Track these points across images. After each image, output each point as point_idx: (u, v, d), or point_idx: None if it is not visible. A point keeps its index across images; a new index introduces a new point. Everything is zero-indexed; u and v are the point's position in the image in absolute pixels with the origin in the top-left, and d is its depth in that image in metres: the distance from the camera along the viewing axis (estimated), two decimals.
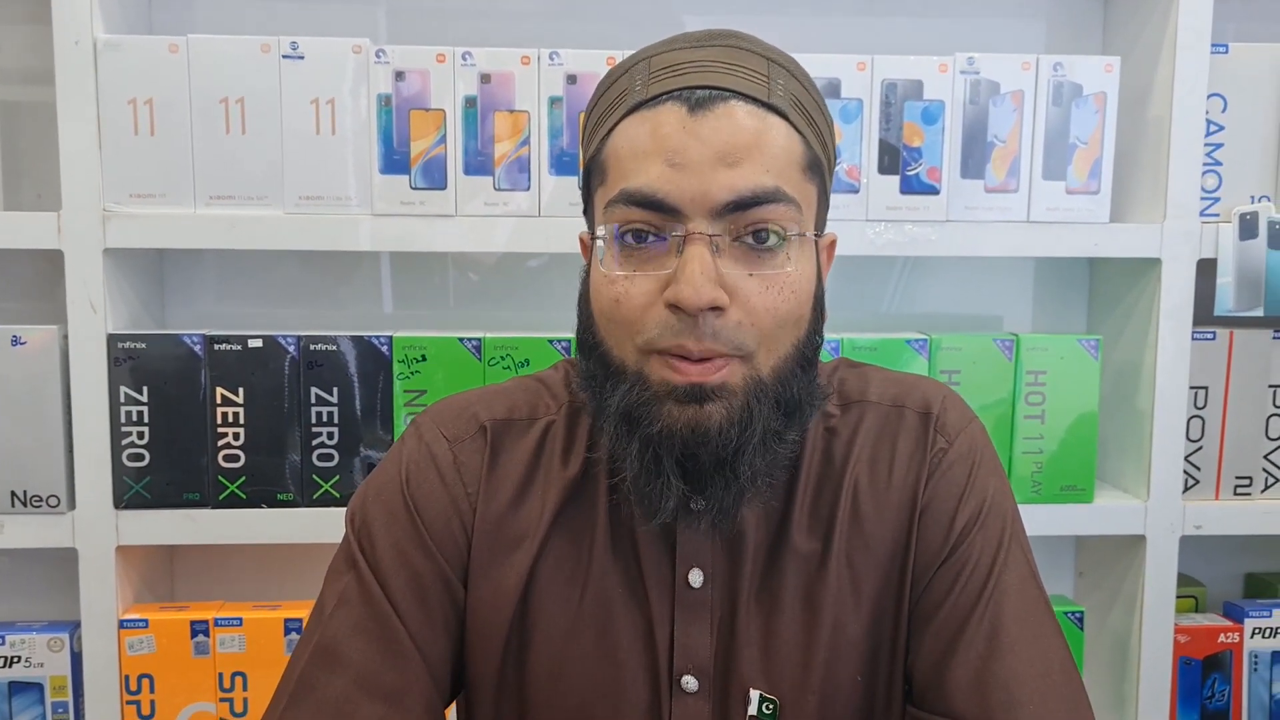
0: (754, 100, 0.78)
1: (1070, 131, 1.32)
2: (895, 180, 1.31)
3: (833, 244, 0.90)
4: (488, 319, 1.47)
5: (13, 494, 1.27)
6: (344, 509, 1.01)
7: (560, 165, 1.28)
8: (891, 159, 1.31)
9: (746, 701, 0.84)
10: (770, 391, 0.79)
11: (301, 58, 1.25)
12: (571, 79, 1.27)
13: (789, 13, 1.46)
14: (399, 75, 1.26)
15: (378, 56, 1.26)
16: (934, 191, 1.31)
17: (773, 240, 0.77)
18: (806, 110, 0.81)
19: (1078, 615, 1.39)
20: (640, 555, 0.86)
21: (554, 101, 1.27)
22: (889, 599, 0.86)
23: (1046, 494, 1.36)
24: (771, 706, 0.84)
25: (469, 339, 1.31)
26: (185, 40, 1.24)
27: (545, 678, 0.85)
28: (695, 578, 0.85)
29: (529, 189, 1.28)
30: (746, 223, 0.77)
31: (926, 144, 1.31)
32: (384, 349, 1.30)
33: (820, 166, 0.82)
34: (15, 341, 1.26)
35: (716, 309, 0.75)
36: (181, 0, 1.41)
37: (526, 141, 1.28)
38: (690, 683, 0.84)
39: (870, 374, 0.92)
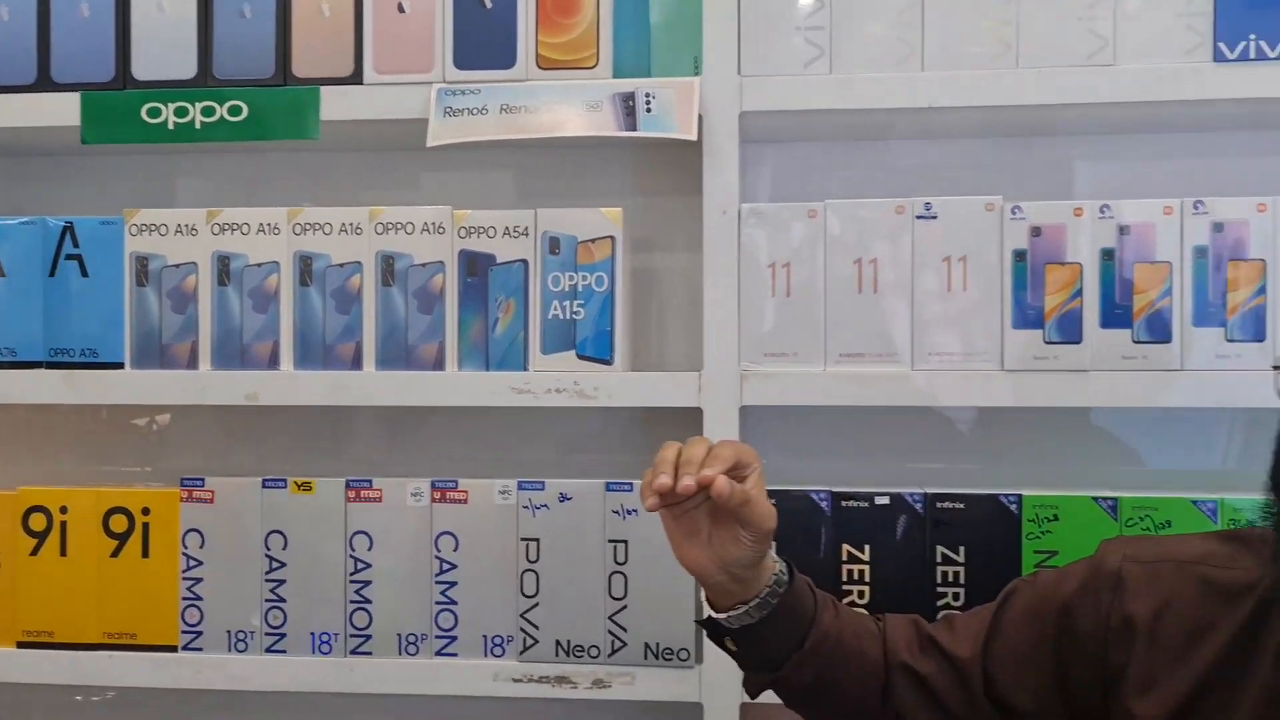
0: None
1: None
2: None
3: None
4: (1123, 476, 1.39)
5: (646, 646, 1.31)
6: None
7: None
8: None
9: None
10: None
11: (934, 217, 1.27)
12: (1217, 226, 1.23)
13: None
14: (1035, 231, 1.25)
15: (1012, 213, 1.26)
16: None
17: None
18: None
19: None
20: None
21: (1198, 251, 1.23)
22: None
23: None
24: None
25: (1104, 499, 1.25)
26: (823, 205, 1.29)
27: None
28: None
29: (1170, 341, 1.23)
30: None
31: None
32: (1013, 507, 1.26)
33: None
34: None
35: None
36: (814, 168, 1.45)
37: (1169, 292, 1.23)
38: None
39: None
